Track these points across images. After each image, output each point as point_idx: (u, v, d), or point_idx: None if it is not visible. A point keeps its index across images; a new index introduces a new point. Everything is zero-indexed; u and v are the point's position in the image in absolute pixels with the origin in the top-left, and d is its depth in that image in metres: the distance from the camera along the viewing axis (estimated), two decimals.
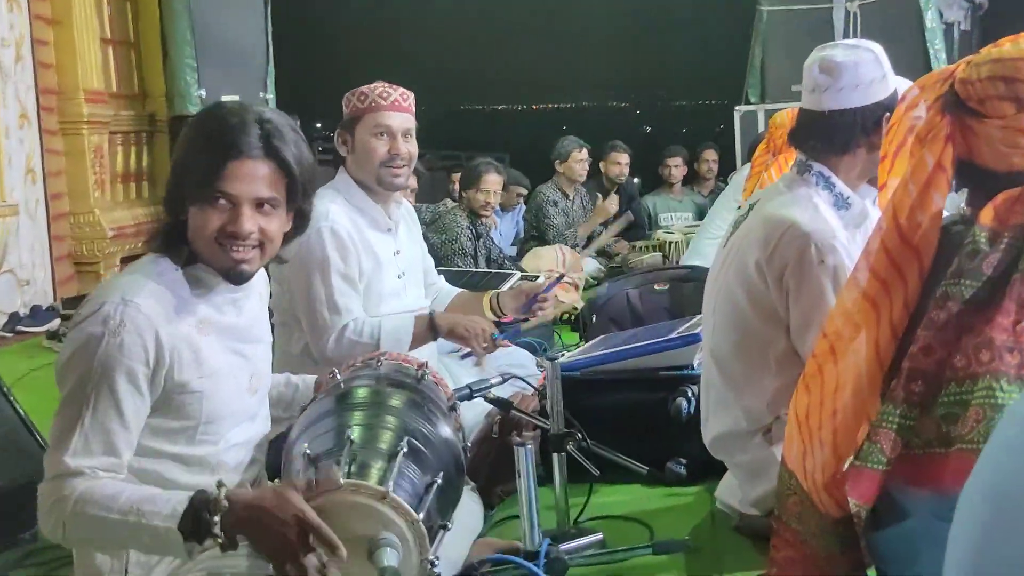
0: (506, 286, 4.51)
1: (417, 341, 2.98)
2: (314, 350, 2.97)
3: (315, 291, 2.94)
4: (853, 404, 1.71)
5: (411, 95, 3.12)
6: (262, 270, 2.12)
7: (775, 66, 8.05)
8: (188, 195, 1.93)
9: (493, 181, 5.62)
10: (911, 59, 6.97)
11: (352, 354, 2.75)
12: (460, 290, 3.49)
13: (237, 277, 1.97)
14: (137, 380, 1.85)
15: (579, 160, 6.96)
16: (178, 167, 1.97)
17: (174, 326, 1.90)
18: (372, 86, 3.07)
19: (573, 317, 5.05)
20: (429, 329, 3.00)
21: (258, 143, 1.91)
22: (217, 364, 1.97)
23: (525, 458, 2.21)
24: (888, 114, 2.27)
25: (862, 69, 2.33)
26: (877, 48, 2.37)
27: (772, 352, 2.35)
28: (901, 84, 2.34)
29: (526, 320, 3.46)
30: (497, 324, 3.19)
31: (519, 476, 2.26)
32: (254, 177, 1.91)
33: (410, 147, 3.07)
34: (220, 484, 1.73)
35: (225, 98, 6.34)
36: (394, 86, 3.09)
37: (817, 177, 2.38)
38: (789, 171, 2.50)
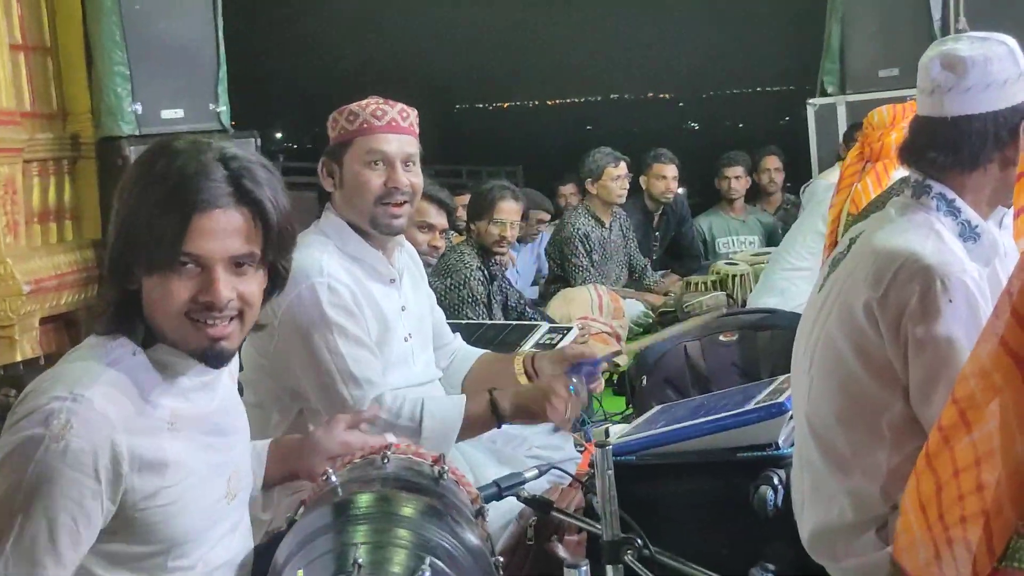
0: (531, 342, 4.52)
1: (473, 429, 2.96)
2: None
3: (322, 364, 2.93)
4: (1010, 485, 1.69)
5: (413, 112, 3.14)
6: None
7: (857, 48, 8.06)
8: (141, 262, 1.94)
9: (510, 210, 5.62)
10: None
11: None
12: (483, 352, 3.49)
13: (216, 359, 1.99)
14: (83, 499, 1.84)
15: (616, 177, 6.97)
16: (124, 228, 1.97)
17: (137, 427, 1.90)
18: (364, 103, 3.09)
19: (615, 377, 5.04)
20: (491, 412, 2.95)
21: (226, 187, 1.93)
22: (190, 469, 1.97)
23: None
24: None
25: (994, 66, 2.35)
26: (1011, 42, 2.39)
27: (887, 420, 2.35)
28: None
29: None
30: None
31: None
32: (226, 231, 1.93)
33: (412, 178, 3.08)
34: None
35: (166, 113, 6.41)
36: (391, 102, 3.11)
37: (938, 200, 2.40)
38: (903, 195, 2.51)
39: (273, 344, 2.95)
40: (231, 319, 1.97)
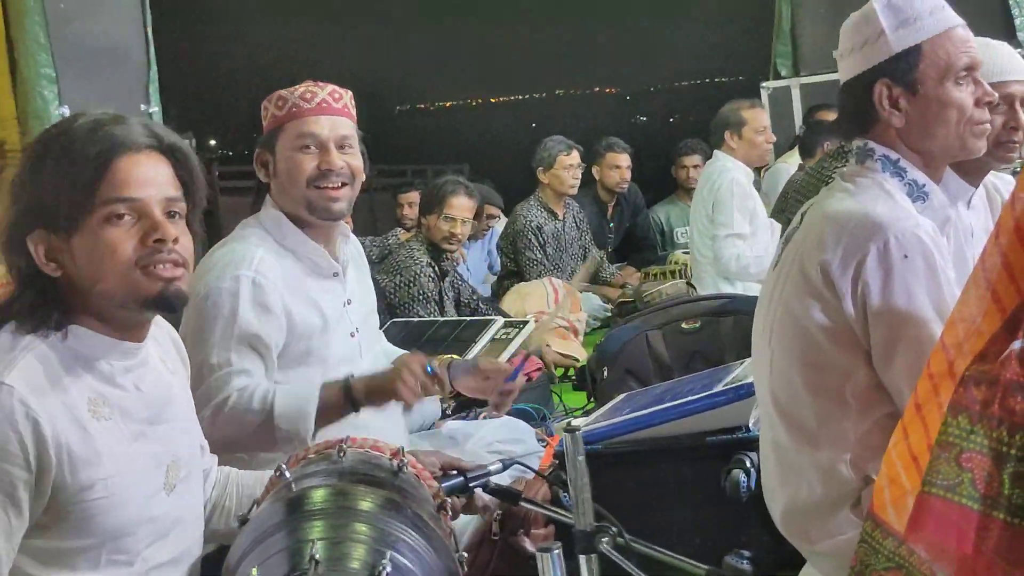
0: (486, 337, 4.50)
1: (329, 414, 2.89)
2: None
3: (209, 350, 2.89)
4: None
5: (347, 94, 3.11)
6: (167, 326, 2.14)
7: (809, 29, 8.14)
8: (67, 227, 1.92)
9: (463, 206, 5.58)
10: (989, 17, 7.07)
11: (239, 430, 2.77)
12: (401, 352, 3.45)
13: (171, 300, 1.98)
14: (13, 489, 1.83)
15: (568, 166, 6.97)
16: (35, 200, 1.95)
17: (59, 414, 1.88)
18: (293, 88, 3.07)
19: (574, 372, 5.03)
20: (344, 397, 2.90)
21: (146, 133, 1.97)
22: (121, 458, 1.95)
23: (553, 568, 2.15)
24: (887, 80, 2.39)
25: (854, 31, 2.45)
26: (880, 2, 2.44)
27: (851, 388, 2.34)
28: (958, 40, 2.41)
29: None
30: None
31: None
32: (156, 175, 1.97)
33: (349, 159, 3.05)
34: None
35: None
36: (321, 84, 3.09)
37: (883, 162, 2.44)
38: (848, 164, 2.54)
39: (183, 327, 2.91)
40: (177, 265, 1.97)
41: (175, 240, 1.96)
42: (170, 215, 1.97)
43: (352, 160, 3.06)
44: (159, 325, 2.19)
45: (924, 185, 2.43)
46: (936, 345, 1.84)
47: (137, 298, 1.96)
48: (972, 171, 2.75)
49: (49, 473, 1.85)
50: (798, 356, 2.40)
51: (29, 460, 1.83)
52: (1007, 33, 7.32)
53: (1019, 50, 2.91)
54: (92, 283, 1.94)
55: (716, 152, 6.21)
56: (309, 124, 3.02)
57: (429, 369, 2.92)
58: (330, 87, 3.08)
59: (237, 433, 2.80)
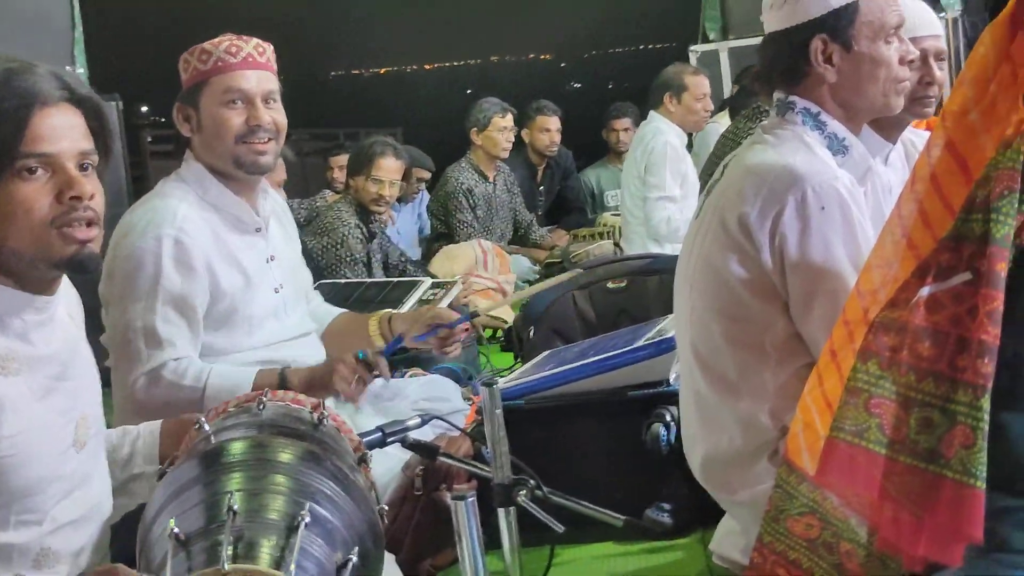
0: (413, 298, 4.50)
1: None
2: (117, 391, 2.92)
3: (133, 314, 2.88)
4: None
5: (269, 47, 3.09)
6: (67, 282, 2.12)
7: None
8: None
9: (390, 168, 5.58)
10: None
11: (169, 402, 2.74)
12: (341, 311, 3.45)
13: (86, 262, 1.96)
14: None
15: (503, 128, 6.97)
16: None
17: None
18: (216, 41, 3.04)
19: (501, 334, 5.04)
20: (279, 386, 2.87)
21: (58, 85, 1.93)
22: (29, 414, 1.92)
23: (467, 515, 2.16)
24: (824, 35, 2.39)
25: None
26: None
27: (770, 339, 2.37)
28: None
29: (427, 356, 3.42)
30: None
31: (460, 540, 2.21)
32: (70, 128, 1.93)
33: (275, 114, 3.03)
34: None
35: None
36: (245, 38, 3.05)
37: (803, 115, 2.46)
38: (770, 117, 2.56)
39: (106, 292, 2.93)
40: (89, 224, 1.94)
41: (91, 197, 1.93)
42: (83, 168, 1.94)
43: (277, 115, 3.04)
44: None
45: (844, 139, 2.46)
46: (852, 292, 1.87)
47: (49, 259, 1.93)
48: (889, 127, 2.79)
49: None
50: (718, 308, 2.42)
51: None
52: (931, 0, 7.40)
53: (940, 15, 2.95)
54: (2, 240, 1.91)
55: (652, 113, 6.22)
56: (236, 79, 2.99)
57: (360, 355, 2.92)
58: (254, 40, 3.05)
59: (166, 404, 2.77)
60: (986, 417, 1.62)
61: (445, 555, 2.79)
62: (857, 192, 2.35)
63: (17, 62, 1.93)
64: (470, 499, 2.11)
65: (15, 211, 1.89)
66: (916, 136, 3.11)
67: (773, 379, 2.36)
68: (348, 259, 5.34)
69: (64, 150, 1.91)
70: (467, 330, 3.36)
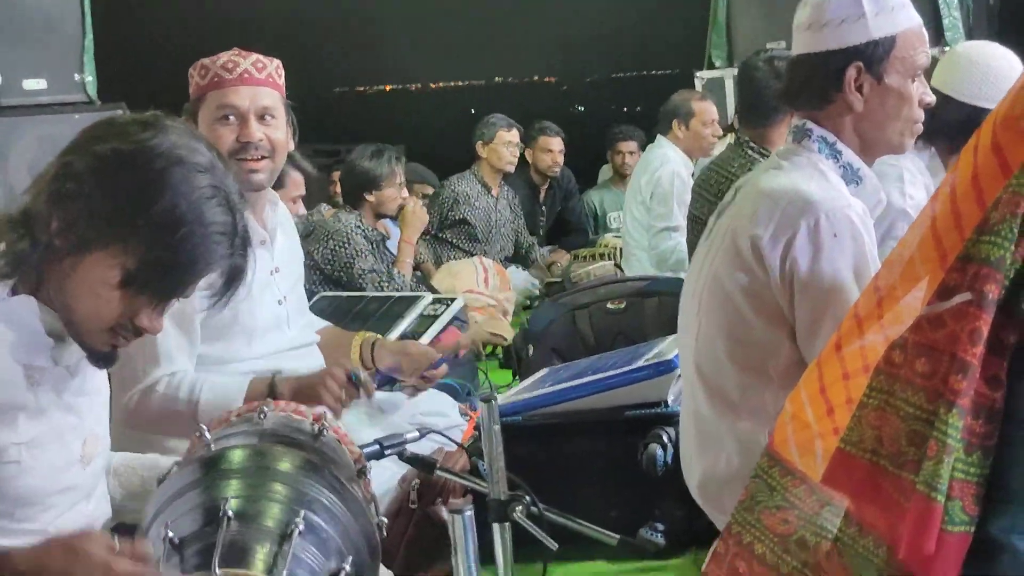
0: (414, 313, 4.48)
1: None
2: (114, 408, 2.88)
3: None
4: None
5: (271, 63, 3.05)
6: None
7: (744, 21, 8.16)
8: (97, 246, 1.89)
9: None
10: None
11: (163, 417, 2.74)
12: (326, 325, 3.44)
13: (105, 361, 2.01)
14: None
15: (508, 143, 6.99)
16: (95, 208, 1.90)
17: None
18: (216, 56, 3.01)
19: (501, 351, 5.04)
20: (270, 395, 2.84)
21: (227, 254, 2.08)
22: (45, 424, 1.93)
23: (464, 529, 2.16)
24: (860, 64, 2.38)
25: (830, 5, 2.41)
26: None
27: (773, 363, 2.38)
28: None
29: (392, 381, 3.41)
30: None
31: (456, 554, 2.21)
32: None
33: (270, 131, 2.98)
34: None
35: (28, 84, 6.26)
36: (245, 53, 3.03)
37: (820, 143, 2.45)
38: (786, 143, 2.56)
39: None
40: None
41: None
42: None
43: (272, 132, 2.99)
44: None
45: (859, 169, 2.45)
46: (868, 287, 1.87)
47: (83, 345, 1.97)
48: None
49: None
50: (724, 327, 2.43)
51: None
52: (935, 34, 7.40)
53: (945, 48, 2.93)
54: (65, 291, 1.93)
55: (659, 137, 6.23)
56: (229, 95, 2.96)
57: (354, 376, 2.89)
58: (254, 56, 3.02)
59: (160, 420, 2.78)
60: (952, 432, 1.61)
61: (438, 569, 2.78)
62: (868, 221, 2.36)
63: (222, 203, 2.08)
64: (467, 513, 2.10)
65: (93, 291, 1.92)
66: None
67: (774, 401, 2.35)
68: (358, 253, 5.27)
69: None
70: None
